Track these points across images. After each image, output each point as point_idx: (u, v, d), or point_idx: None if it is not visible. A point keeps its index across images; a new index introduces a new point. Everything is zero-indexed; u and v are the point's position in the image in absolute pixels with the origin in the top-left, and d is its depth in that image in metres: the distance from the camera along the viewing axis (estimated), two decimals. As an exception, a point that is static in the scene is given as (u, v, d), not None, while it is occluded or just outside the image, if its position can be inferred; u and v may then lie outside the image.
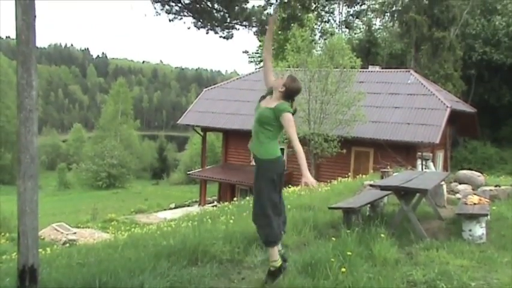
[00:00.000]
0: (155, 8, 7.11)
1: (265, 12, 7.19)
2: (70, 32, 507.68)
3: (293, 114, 4.96)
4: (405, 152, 22.43)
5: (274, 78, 5.30)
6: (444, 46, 35.30)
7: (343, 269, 5.07)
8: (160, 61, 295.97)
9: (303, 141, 22.33)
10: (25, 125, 4.06)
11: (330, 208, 8.50)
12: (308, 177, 4.67)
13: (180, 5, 7.12)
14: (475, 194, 8.93)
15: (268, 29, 5.61)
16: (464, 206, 7.49)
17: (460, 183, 11.80)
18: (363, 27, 50.22)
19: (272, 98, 5.01)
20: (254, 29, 7.28)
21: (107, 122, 76.61)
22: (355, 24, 50.99)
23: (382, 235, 6.11)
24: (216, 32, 7.31)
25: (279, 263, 4.94)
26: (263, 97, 5.17)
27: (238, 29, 7.35)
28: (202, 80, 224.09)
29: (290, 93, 5.00)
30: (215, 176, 29.39)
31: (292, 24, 7.64)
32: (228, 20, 7.14)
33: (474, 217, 6.75)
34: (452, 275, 5.16)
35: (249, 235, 6.56)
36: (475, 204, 7.49)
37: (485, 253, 6.10)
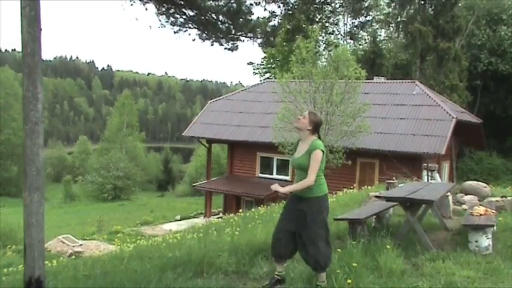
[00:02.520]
0: (160, 20, 7.16)
1: (270, 23, 7.23)
2: (75, 45, 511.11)
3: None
4: (411, 163, 22.34)
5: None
6: (449, 57, 35.25)
7: (349, 281, 5.06)
8: (165, 73, 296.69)
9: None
10: (31, 138, 4.08)
11: (335, 219, 8.48)
12: (282, 189, 5.18)
13: (184, 17, 7.16)
14: (481, 205, 8.89)
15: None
16: (470, 217, 7.47)
17: (466, 194, 11.74)
18: (367, 38, 50.27)
19: (302, 142, 5.42)
20: (259, 41, 7.31)
21: (112, 134, 76.82)
22: (359, 36, 51.06)
23: (388, 246, 6.10)
24: (221, 44, 7.34)
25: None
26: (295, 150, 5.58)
27: (243, 41, 7.38)
28: (207, 91, 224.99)
29: (317, 127, 5.39)
30: (220, 187, 29.36)
31: (297, 36, 7.67)
32: (233, 31, 7.17)
33: (480, 228, 6.73)
34: (458, 286, 5.14)
35: (254, 247, 6.56)
36: (481, 215, 7.47)
37: (491, 264, 6.07)
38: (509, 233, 7.84)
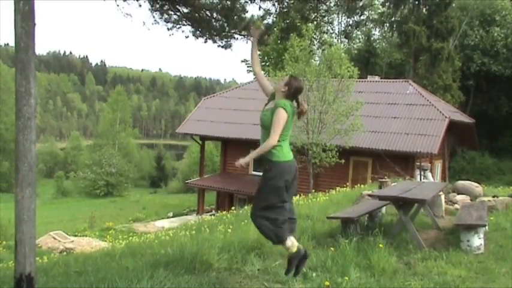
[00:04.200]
0: (154, 17, 7.12)
1: (264, 21, 7.21)
2: (69, 40, 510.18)
3: (302, 114, 4.99)
4: (403, 162, 22.44)
5: (271, 84, 5.28)
6: (443, 57, 35.38)
7: (341, 279, 5.07)
8: (159, 69, 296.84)
9: (302, 151, 22.35)
10: (23, 133, 4.06)
11: (328, 218, 8.49)
12: (244, 159, 4.79)
13: (178, 14, 7.13)
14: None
15: (253, 42, 5.55)
16: (462, 217, 7.49)
17: (458, 194, 11.78)
18: (362, 38, 50.40)
19: (274, 101, 4.96)
20: (252, 38, 7.29)
21: (105, 130, 76.64)
22: (354, 35, 51.17)
23: (381, 245, 6.10)
24: (215, 41, 7.31)
25: (294, 248, 4.85)
26: (266, 105, 5.13)
27: (237, 39, 7.35)
28: (201, 88, 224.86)
29: (293, 92, 4.93)
30: (213, 184, 29.34)
31: (291, 34, 7.66)
32: (227, 29, 7.15)
33: (472, 227, 6.74)
34: (450, 286, 5.16)
35: (247, 244, 6.55)
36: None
37: (483, 263, 6.10)
38: (500, 232, 7.87)
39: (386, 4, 42.21)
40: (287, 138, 4.90)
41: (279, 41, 31.79)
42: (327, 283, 4.96)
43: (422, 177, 16.53)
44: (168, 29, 7.24)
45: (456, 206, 10.55)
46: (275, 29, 7.65)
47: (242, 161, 4.81)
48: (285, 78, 5.09)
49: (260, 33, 5.62)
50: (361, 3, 46.52)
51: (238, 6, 6.88)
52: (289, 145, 4.95)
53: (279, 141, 4.76)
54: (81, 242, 19.51)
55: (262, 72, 5.54)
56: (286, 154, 4.86)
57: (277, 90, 4.99)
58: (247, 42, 7.46)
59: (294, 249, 4.84)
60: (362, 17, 50.03)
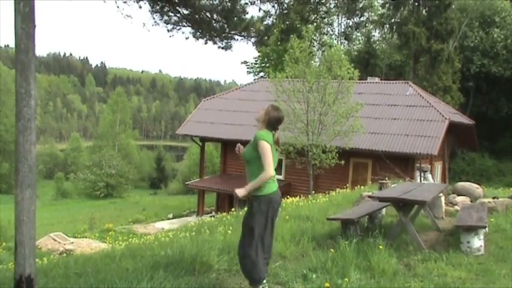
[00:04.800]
0: (154, 18, 7.12)
1: (264, 23, 7.21)
2: (69, 41, 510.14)
3: (277, 144, 4.93)
4: (403, 164, 22.42)
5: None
6: (442, 58, 35.39)
7: (341, 280, 5.06)
8: (159, 71, 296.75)
9: (301, 152, 22.35)
10: (23, 134, 4.06)
11: (328, 219, 8.50)
12: (241, 190, 4.80)
13: (179, 15, 7.13)
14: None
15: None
16: (462, 218, 7.49)
17: (458, 195, 11.78)
18: (362, 39, 50.41)
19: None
20: (253, 40, 7.29)
21: (105, 132, 76.63)
22: (354, 36, 51.19)
23: (381, 246, 6.10)
24: (215, 43, 7.31)
25: None
26: None
27: (237, 40, 7.35)
28: (201, 90, 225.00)
29: (271, 122, 4.93)
30: (213, 186, 29.31)
31: (291, 36, 7.66)
32: (227, 30, 7.15)
33: (472, 229, 6.74)
34: (450, 287, 5.15)
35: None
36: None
37: (483, 265, 6.09)
38: (500, 234, 7.86)
39: (386, 5, 42.23)
40: (273, 173, 4.87)
41: (279, 43, 31.80)
42: (327, 284, 4.96)
43: (422, 178, 16.52)
44: (168, 30, 7.25)
45: (456, 207, 10.55)
46: (275, 30, 7.64)
47: (240, 193, 4.83)
48: (265, 107, 5.07)
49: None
50: (361, 5, 46.58)
51: (238, 7, 6.88)
52: (274, 176, 4.93)
53: (258, 173, 4.81)
54: (81, 243, 19.46)
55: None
56: (271, 186, 4.88)
57: (258, 120, 5.02)
58: (247, 43, 7.46)
59: None
60: (362, 19, 50.08)
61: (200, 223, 14.55)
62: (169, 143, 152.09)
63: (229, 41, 7.38)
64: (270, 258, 5.15)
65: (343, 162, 22.54)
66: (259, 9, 7.22)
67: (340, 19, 50.11)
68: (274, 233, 5.09)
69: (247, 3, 7.00)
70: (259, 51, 47.77)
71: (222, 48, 7.43)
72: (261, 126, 4.97)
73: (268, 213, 4.80)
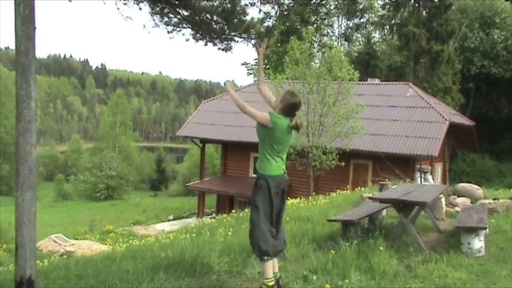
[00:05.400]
0: (154, 20, 7.11)
1: (264, 24, 7.20)
2: (69, 43, 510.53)
3: (297, 130, 4.93)
4: (404, 165, 22.41)
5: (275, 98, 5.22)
6: (443, 59, 35.41)
7: (341, 282, 5.06)
8: (160, 72, 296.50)
9: (302, 153, 22.34)
10: (24, 136, 4.06)
11: (328, 220, 8.49)
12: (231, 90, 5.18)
13: (179, 16, 7.12)
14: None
15: (259, 59, 5.62)
16: (463, 219, 7.48)
17: (458, 196, 11.79)
18: (362, 40, 50.42)
19: None
20: (253, 41, 7.28)
21: (105, 133, 76.62)
22: (354, 37, 51.19)
23: (381, 248, 6.10)
24: (215, 44, 7.30)
25: (271, 282, 4.83)
26: None
27: (237, 41, 7.34)
28: (201, 91, 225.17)
29: (288, 109, 4.90)
30: (213, 187, 29.34)
31: (291, 37, 7.65)
32: (227, 32, 7.14)
33: (473, 230, 6.74)
34: (451, 288, 5.15)
35: (247, 247, 6.54)
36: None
37: (484, 266, 6.09)
38: (501, 235, 7.86)
39: (387, 7, 42.25)
40: (278, 154, 4.90)
41: (279, 44, 31.80)
42: (328, 286, 4.96)
43: (422, 179, 16.52)
44: (168, 32, 7.23)
45: (457, 208, 10.55)
46: (275, 31, 7.63)
47: (228, 86, 5.23)
48: (281, 93, 5.08)
49: (266, 46, 5.63)
50: (361, 6, 46.47)
51: (238, 9, 6.87)
52: (281, 160, 4.94)
53: (269, 154, 4.84)
54: (82, 245, 19.46)
55: (269, 93, 5.46)
56: (274, 169, 4.87)
57: (275, 106, 5.01)
58: (247, 45, 7.45)
59: (271, 284, 4.82)
60: (362, 20, 49.99)
61: (200, 225, 14.57)
62: (170, 145, 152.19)
63: (229, 42, 7.36)
64: (282, 249, 5.09)
65: (343, 163, 22.56)
66: (260, 10, 7.21)
67: (340, 20, 50.11)
68: (281, 225, 5.06)
69: (247, 5, 6.99)
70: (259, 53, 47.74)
71: (222, 49, 7.42)
72: (277, 112, 4.95)
73: (271, 192, 4.81)
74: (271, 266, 4.86)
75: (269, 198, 4.81)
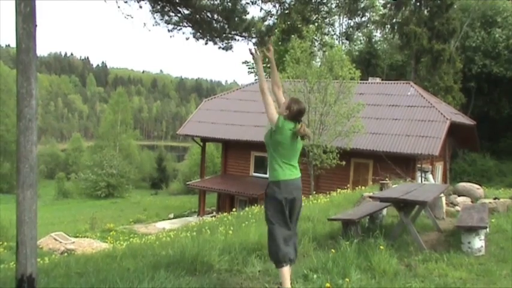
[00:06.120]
0: (155, 18, 7.11)
1: (265, 23, 7.20)
2: (70, 41, 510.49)
3: (302, 138, 4.94)
4: (404, 164, 22.36)
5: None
6: (444, 58, 35.40)
7: (342, 281, 5.06)
8: (160, 71, 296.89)
9: (302, 152, 22.31)
10: (24, 134, 4.06)
11: (329, 220, 8.49)
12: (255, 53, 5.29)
13: (179, 15, 7.12)
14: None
15: (271, 63, 5.62)
16: (463, 219, 7.48)
17: (459, 196, 11.78)
18: (363, 39, 50.39)
19: None
20: (253, 40, 7.27)
21: (106, 132, 76.56)
22: (355, 36, 51.15)
23: (381, 247, 6.10)
24: (215, 43, 7.29)
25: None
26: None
27: (238, 40, 7.34)
28: (202, 90, 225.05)
29: (294, 115, 4.92)
30: (214, 186, 29.32)
31: (292, 36, 7.65)
32: (227, 30, 7.13)
33: (473, 229, 6.74)
34: (451, 287, 5.15)
35: (248, 246, 6.56)
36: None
37: (484, 266, 6.09)
38: (501, 234, 7.86)
39: (388, 6, 42.22)
40: (285, 160, 4.89)
41: (280, 43, 31.80)
42: (328, 285, 4.96)
43: (423, 179, 16.49)
44: (169, 31, 7.23)
45: (457, 207, 10.55)
46: (276, 30, 7.63)
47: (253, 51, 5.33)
48: (286, 101, 5.11)
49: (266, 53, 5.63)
50: (362, 5, 46.54)
51: (239, 7, 6.87)
52: (290, 167, 4.92)
53: (275, 161, 4.86)
54: (82, 243, 19.47)
55: (281, 97, 5.43)
56: (281, 174, 4.86)
57: (281, 114, 5.00)
58: (248, 44, 7.45)
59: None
60: (363, 19, 50.06)
61: (201, 223, 14.56)
62: (170, 143, 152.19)
63: (229, 41, 7.35)
64: (293, 259, 4.99)
65: (344, 162, 22.55)
66: (261, 9, 7.22)
67: (341, 19, 50.09)
68: (295, 227, 5.03)
69: (248, 3, 6.99)
70: (260, 51, 47.73)
71: (223, 48, 7.41)
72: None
73: (278, 198, 4.79)
74: (288, 274, 4.82)
75: (279, 206, 4.81)
